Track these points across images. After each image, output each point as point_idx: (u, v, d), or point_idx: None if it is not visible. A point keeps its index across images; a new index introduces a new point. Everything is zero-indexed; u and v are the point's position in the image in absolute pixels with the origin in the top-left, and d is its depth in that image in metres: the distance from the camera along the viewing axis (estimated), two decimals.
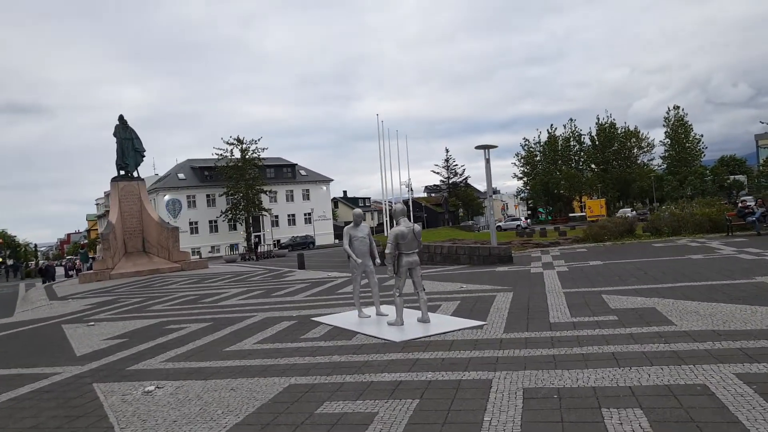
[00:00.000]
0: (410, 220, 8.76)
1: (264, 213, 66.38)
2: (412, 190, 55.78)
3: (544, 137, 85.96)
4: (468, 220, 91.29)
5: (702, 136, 78.77)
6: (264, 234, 67.09)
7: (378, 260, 9.46)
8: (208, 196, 67.84)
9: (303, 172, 76.70)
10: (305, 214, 73.04)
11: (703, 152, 79.12)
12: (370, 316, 9.30)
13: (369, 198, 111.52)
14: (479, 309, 9.24)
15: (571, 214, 77.42)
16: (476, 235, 35.66)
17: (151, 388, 6.10)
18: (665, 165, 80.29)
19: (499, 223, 69.11)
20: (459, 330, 7.66)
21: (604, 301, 8.84)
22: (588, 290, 10.17)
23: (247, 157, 64.16)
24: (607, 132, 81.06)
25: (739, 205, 21.17)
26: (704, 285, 9.65)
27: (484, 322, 8.01)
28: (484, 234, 37.54)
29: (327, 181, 77.56)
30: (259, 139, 65.48)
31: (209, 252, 63.46)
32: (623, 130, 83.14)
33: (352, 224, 9.41)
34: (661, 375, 5.01)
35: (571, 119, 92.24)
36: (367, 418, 4.59)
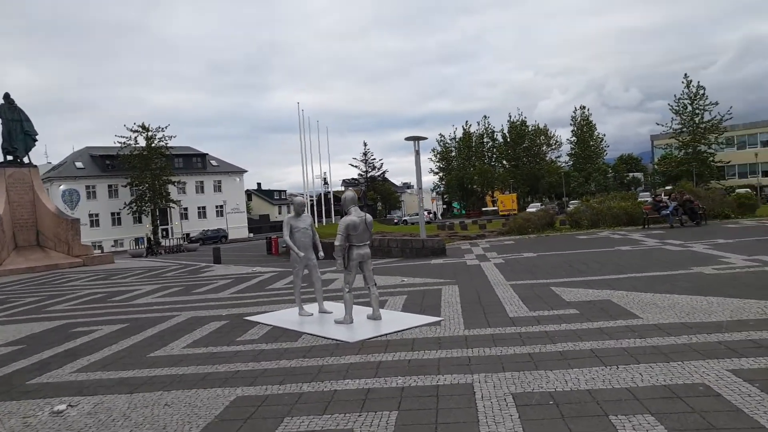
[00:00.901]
0: (343, 215, 8.08)
1: (172, 205, 62.96)
2: (327, 183, 54.74)
3: (459, 133, 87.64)
4: (386, 214, 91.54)
5: (604, 135, 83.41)
6: (172, 227, 63.71)
7: (321, 253, 8.68)
8: (110, 186, 63.38)
9: (214, 163, 73.57)
10: (217, 207, 70.11)
11: (605, 150, 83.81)
12: (312, 314, 8.51)
13: (285, 191, 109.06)
14: (429, 304, 8.71)
15: (484, 209, 79.53)
16: (401, 227, 35.39)
17: (62, 407, 5.02)
18: (571, 162, 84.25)
19: (405, 218, 69.72)
20: (416, 327, 7.07)
21: (556, 294, 8.58)
22: (534, 282, 9.92)
23: (153, 145, 60.42)
24: (518, 129, 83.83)
25: (655, 199, 22.20)
26: (647, 276, 9.67)
27: (440, 318, 7.46)
28: (408, 227, 37.37)
29: (240, 172, 74.88)
30: (166, 127, 61.97)
31: (112, 246, 59.29)
32: (533, 128, 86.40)
33: (292, 214, 8.57)
34: (654, 374, 4.64)
35: (485, 116, 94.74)
36: None
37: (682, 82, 58.44)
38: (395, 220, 68.24)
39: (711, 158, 58.37)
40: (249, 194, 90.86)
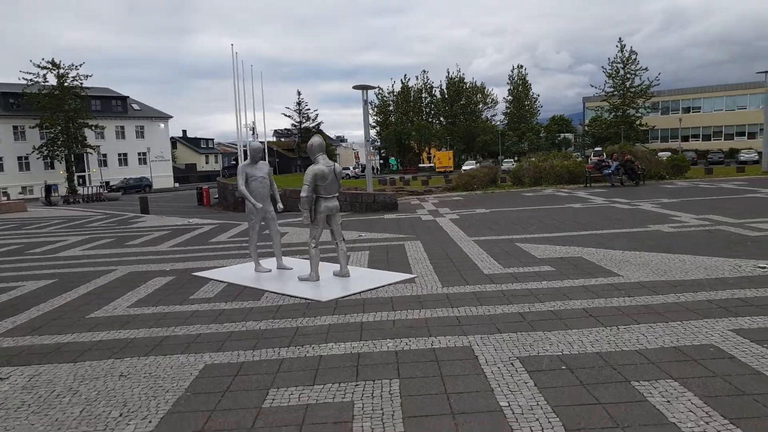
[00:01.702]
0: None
1: (89, 150, 58.70)
2: (256, 132, 52.26)
3: (398, 87, 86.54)
4: None
5: (539, 95, 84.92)
6: (90, 174, 59.73)
7: (280, 205, 8.00)
8: (15, 127, 57.98)
9: (136, 107, 69.09)
10: (140, 154, 66.30)
11: (539, 110, 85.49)
12: (270, 270, 7.88)
13: (213, 139, 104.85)
14: (395, 260, 8.27)
15: (420, 165, 79.71)
16: (349, 182, 34.64)
17: None
18: (506, 121, 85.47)
19: (347, 171, 68.78)
20: (389, 285, 6.61)
21: (524, 251, 8.35)
22: (497, 239, 9.68)
23: (66, 84, 55.49)
24: (456, 86, 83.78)
25: (597, 158, 22.61)
26: (609, 233, 9.63)
27: (413, 275, 7.04)
28: (350, 180, 36.64)
29: (165, 117, 70.85)
30: (80, 65, 56.74)
31: (20, 193, 54.86)
32: (471, 85, 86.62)
33: (248, 161, 7.80)
34: (658, 335, 4.42)
35: (424, 71, 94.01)
36: (343, 412, 3.39)
37: (616, 46, 59.95)
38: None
39: (638, 122, 60.72)
40: (174, 142, 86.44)
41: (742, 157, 48.24)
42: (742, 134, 64.12)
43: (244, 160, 38.56)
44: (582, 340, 4.37)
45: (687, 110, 67.85)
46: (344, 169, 76.04)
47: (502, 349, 4.25)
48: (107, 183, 57.12)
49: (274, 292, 6.59)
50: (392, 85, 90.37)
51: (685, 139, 65.66)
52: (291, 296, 6.36)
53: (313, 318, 5.44)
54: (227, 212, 23.35)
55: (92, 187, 47.74)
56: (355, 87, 20.74)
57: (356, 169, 75.90)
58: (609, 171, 20.51)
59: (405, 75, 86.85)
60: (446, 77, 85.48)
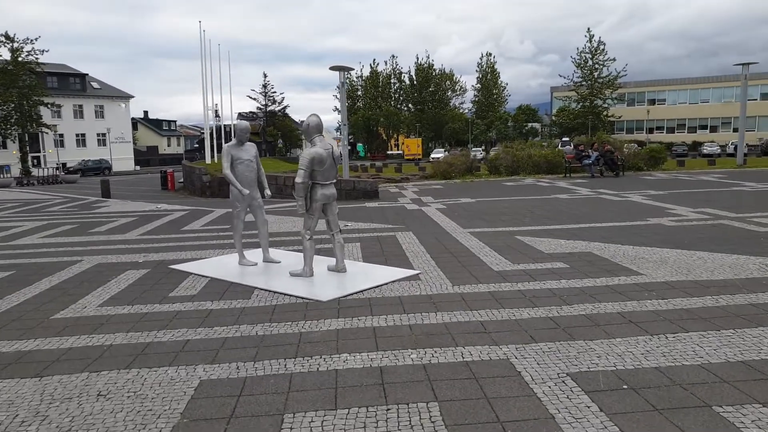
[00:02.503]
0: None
1: (45, 130, 55.87)
2: (219, 115, 50.17)
3: (366, 72, 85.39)
4: (286, 152, 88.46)
5: (507, 84, 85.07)
6: (45, 155, 57.07)
7: (268, 191, 7.30)
8: None
9: (96, 85, 66.22)
10: (99, 135, 63.71)
11: (506, 99, 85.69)
12: (256, 264, 7.20)
13: (175, 121, 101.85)
14: (391, 253, 7.68)
15: (389, 152, 79.08)
16: None
17: None
18: (474, 109, 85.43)
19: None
20: (393, 282, 6.02)
21: (528, 245, 7.86)
22: (494, 231, 9.18)
23: (20, 59, 52.56)
24: (426, 72, 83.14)
25: (578, 148, 22.40)
26: (610, 227, 9.24)
27: (416, 271, 6.46)
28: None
29: (126, 97, 68.20)
30: (36, 39, 53.78)
31: None
32: (440, 72, 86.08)
33: (233, 142, 7.06)
34: (716, 346, 3.96)
35: (393, 56, 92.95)
36: None
37: (585, 36, 60.42)
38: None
39: (605, 112, 61.33)
40: (135, 123, 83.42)
41: (705, 150, 49.27)
42: (704, 127, 65.58)
43: (216, 141, 37.17)
44: (632, 352, 3.88)
45: (652, 102, 68.95)
46: None
47: (546, 364, 3.72)
48: (64, 165, 54.62)
49: (266, 290, 5.92)
50: (360, 70, 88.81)
51: (650, 131, 66.76)
52: (286, 294, 5.70)
53: (316, 321, 4.81)
54: (194, 197, 22.34)
55: (48, 168, 45.47)
56: (332, 68, 19.93)
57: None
58: (589, 161, 20.32)
59: (374, 60, 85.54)
60: (415, 63, 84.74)
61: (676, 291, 5.32)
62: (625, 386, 3.36)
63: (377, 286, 5.86)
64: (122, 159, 63.77)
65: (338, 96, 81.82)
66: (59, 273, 7.13)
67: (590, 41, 60.10)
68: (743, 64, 25.09)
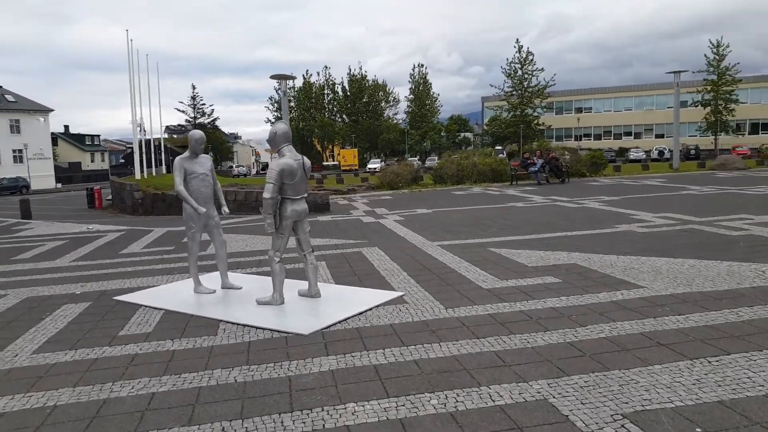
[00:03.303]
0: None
1: None
2: (143, 129, 47.38)
3: (299, 83, 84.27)
4: (217, 165, 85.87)
5: (439, 95, 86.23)
6: None
7: (225, 208, 6.52)
8: None
9: (11, 98, 61.90)
10: (15, 151, 59.42)
11: (439, 110, 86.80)
12: (214, 291, 6.40)
13: (99, 136, 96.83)
14: (362, 271, 7.07)
15: (324, 163, 78.25)
16: (248, 180, 32.48)
17: None
18: (408, 120, 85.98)
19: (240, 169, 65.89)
20: (378, 307, 5.41)
21: (506, 257, 7.45)
22: (464, 243, 8.74)
23: None
24: (359, 83, 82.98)
25: (524, 156, 22.51)
26: (581, 235, 9.00)
27: (399, 293, 5.88)
28: (254, 179, 34.44)
29: (45, 111, 64.11)
30: None
31: None
32: (373, 83, 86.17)
33: (186, 153, 6.27)
34: (763, 370, 3.59)
35: (325, 66, 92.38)
36: None
37: (514, 47, 61.91)
38: (234, 172, 64.11)
39: (536, 121, 63.02)
40: (55, 138, 78.56)
41: (631, 156, 51.47)
42: (629, 134, 68.71)
43: (144, 156, 35.15)
44: (681, 383, 3.44)
45: (579, 110, 71.63)
46: (237, 167, 72.60)
47: (591, 403, 3.22)
48: None
49: (234, 323, 5.17)
50: (293, 81, 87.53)
51: (578, 138, 69.23)
52: (258, 328, 4.97)
53: (303, 361, 4.14)
54: (125, 215, 20.89)
55: None
56: (273, 76, 19.28)
57: (243, 167, 72.91)
58: (534, 169, 20.44)
59: (307, 71, 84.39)
60: (348, 74, 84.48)
61: (689, 305, 4.99)
62: (698, 430, 2.90)
63: (361, 313, 5.23)
64: (42, 176, 59.70)
65: (270, 107, 79.60)
66: None
67: (519, 52, 61.68)
68: (675, 72, 26.15)
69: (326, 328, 4.87)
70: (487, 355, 4.05)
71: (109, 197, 28.22)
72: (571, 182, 20.70)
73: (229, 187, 19.80)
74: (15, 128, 60.22)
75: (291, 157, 5.57)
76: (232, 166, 72.74)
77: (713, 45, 51.76)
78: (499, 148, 57.17)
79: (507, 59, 62.72)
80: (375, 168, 63.79)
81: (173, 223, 14.57)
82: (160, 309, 5.80)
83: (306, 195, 5.81)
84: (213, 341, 4.71)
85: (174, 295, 6.36)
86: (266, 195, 5.43)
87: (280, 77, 18.85)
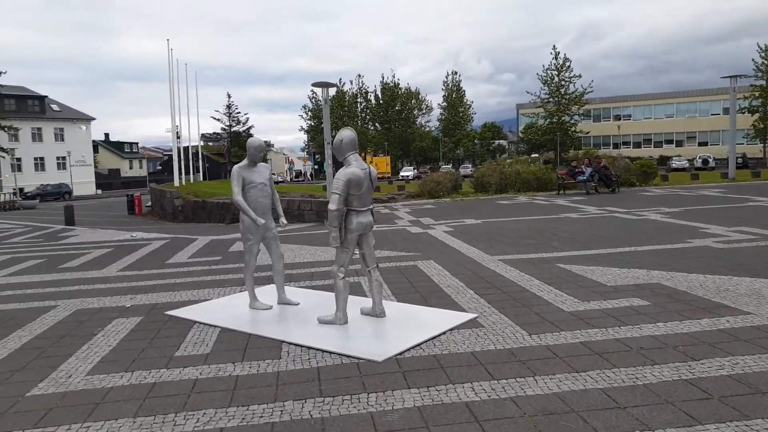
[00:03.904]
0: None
1: (2, 154, 53.22)
2: (180, 137, 47.43)
3: (332, 91, 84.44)
4: None
5: (472, 102, 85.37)
6: (1, 180, 54.21)
7: (283, 219, 6.17)
8: None
9: (56, 107, 63.63)
10: (59, 159, 61.00)
11: (472, 117, 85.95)
12: (271, 307, 6.04)
13: (137, 143, 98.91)
14: (425, 288, 6.62)
15: None
16: (289, 187, 32.47)
17: None
18: (441, 127, 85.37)
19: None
20: (452, 330, 4.96)
21: (580, 275, 6.91)
22: (527, 257, 8.22)
23: None
24: (392, 91, 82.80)
25: (570, 164, 21.81)
26: (654, 250, 8.38)
27: (473, 314, 5.41)
28: (305, 187, 34.47)
29: (87, 119, 65.69)
30: None
31: None
32: (405, 90, 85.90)
33: (244, 162, 5.94)
34: None
35: (359, 75, 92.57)
36: None
37: (550, 53, 60.88)
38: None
39: (573, 128, 61.72)
40: (96, 146, 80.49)
41: (674, 164, 49.85)
42: (670, 142, 66.82)
43: (166, 163, 35.40)
44: None
45: (618, 118, 70.02)
46: (271, 174, 72.84)
47: None
48: (21, 190, 51.85)
49: (297, 344, 4.78)
50: (327, 89, 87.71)
51: (617, 146, 67.65)
52: (325, 351, 4.57)
53: (383, 394, 3.71)
54: (165, 222, 20.93)
55: (4, 194, 42.88)
56: (315, 84, 19.02)
57: (300, 177, 73.30)
58: (583, 178, 19.71)
59: (339, 79, 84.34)
60: (381, 82, 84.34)
61: None
62: None
63: (435, 337, 4.79)
64: (83, 183, 61.11)
65: (304, 115, 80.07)
66: (30, 325, 5.83)
67: (556, 58, 60.61)
68: (731, 77, 25.06)
69: (400, 354, 4.44)
70: (594, 393, 3.55)
71: (149, 204, 28.48)
72: (621, 192, 19.90)
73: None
74: (59, 136, 61.83)
75: (357, 166, 5.18)
76: (271, 174, 73.18)
77: (761, 49, 49.91)
78: (536, 155, 56.14)
79: (543, 66, 61.88)
80: (408, 176, 63.46)
81: (215, 231, 14.41)
82: (216, 326, 5.46)
83: (372, 206, 5.41)
84: (278, 365, 4.33)
85: (229, 310, 6.02)
86: (332, 206, 5.05)
87: (322, 85, 18.59)
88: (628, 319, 5.03)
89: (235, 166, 5.90)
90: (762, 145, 53.26)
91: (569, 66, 60.12)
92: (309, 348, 4.69)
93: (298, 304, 6.10)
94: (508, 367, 4.05)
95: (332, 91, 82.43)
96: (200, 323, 5.60)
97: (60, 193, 53.05)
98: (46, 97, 62.66)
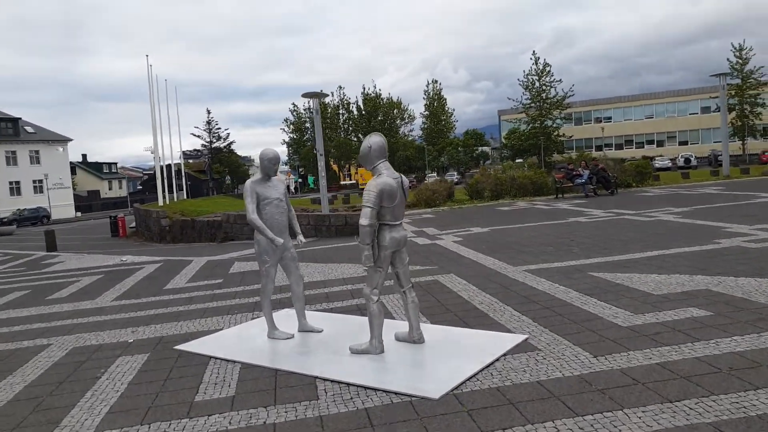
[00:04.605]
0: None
1: None
2: (157, 155, 45.98)
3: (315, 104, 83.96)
4: (233, 188, 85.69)
5: (454, 110, 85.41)
6: None
7: (302, 237, 5.62)
8: None
9: (30, 130, 62.13)
10: (35, 182, 59.49)
11: (454, 125, 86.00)
12: (292, 336, 5.46)
13: (116, 163, 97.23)
14: (457, 306, 6.09)
15: (342, 182, 77.72)
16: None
17: None
18: (424, 136, 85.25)
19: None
20: (505, 355, 4.43)
21: (617, 283, 6.44)
22: (553, 267, 7.74)
23: None
24: (374, 102, 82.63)
25: (567, 167, 21.50)
26: (685, 253, 7.95)
27: (522, 335, 4.88)
28: (292, 200, 33.65)
29: (64, 141, 64.24)
30: None
31: None
32: (387, 100, 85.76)
33: (257, 176, 5.38)
34: None
35: (340, 87, 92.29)
36: None
37: (530, 59, 60.94)
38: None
39: (556, 132, 61.83)
40: (73, 167, 78.85)
41: (657, 164, 50.05)
42: (651, 142, 67.35)
43: (147, 182, 34.63)
44: None
45: (599, 120, 70.45)
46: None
47: None
48: None
49: (333, 380, 4.21)
50: (308, 102, 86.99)
51: (599, 148, 68.00)
52: (366, 388, 4.01)
53: None
54: (153, 243, 20.15)
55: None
56: (305, 95, 18.55)
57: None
58: (581, 181, 19.39)
59: (321, 90, 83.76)
60: (362, 93, 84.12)
61: None
62: None
63: (489, 365, 4.25)
64: (62, 206, 59.62)
65: (285, 128, 79.34)
66: (22, 369, 5.19)
67: (536, 63, 60.74)
68: (719, 75, 25.06)
69: (456, 388, 3.90)
70: (705, 430, 3.04)
71: (133, 225, 27.59)
72: (620, 193, 19.62)
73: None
74: (35, 159, 60.37)
75: (389, 175, 4.65)
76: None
77: (735, 48, 50.56)
78: (520, 160, 56.03)
79: (523, 71, 61.91)
80: (428, 184, 63.01)
81: (208, 251, 13.75)
82: (235, 361, 4.87)
83: (403, 220, 4.88)
84: (318, 408, 3.76)
85: (246, 342, 5.43)
86: (364, 221, 4.50)
87: (312, 95, 18.10)
88: (697, 333, 4.55)
89: (248, 181, 5.34)
90: (741, 142, 53.81)
91: (549, 71, 60.35)
92: (348, 384, 4.12)
93: (322, 331, 5.53)
94: (588, 399, 3.53)
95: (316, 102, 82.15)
96: (216, 358, 5.01)
97: (38, 217, 51.58)
98: (20, 119, 61.19)
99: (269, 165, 5.32)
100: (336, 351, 4.91)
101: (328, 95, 18.74)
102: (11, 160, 58.68)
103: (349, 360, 4.66)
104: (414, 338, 4.92)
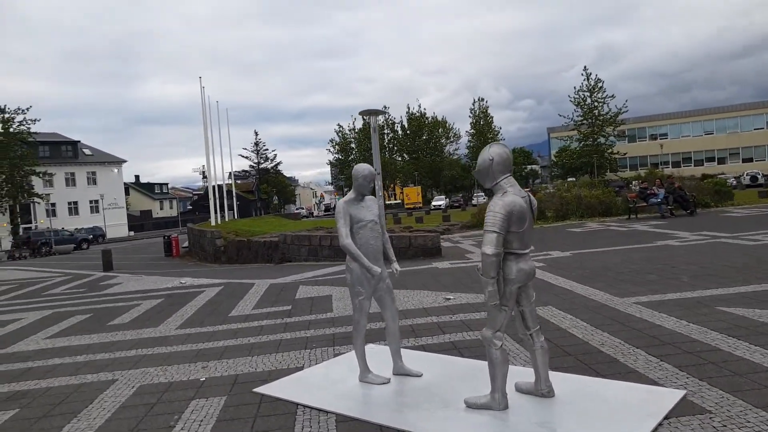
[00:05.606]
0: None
1: (37, 200, 53.34)
2: (206, 176, 46.03)
3: (359, 124, 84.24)
4: (280, 208, 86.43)
5: (501, 128, 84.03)
6: (37, 225, 54.41)
7: (397, 265, 4.90)
8: None
9: (88, 152, 64.27)
10: (92, 202, 61.27)
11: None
12: (388, 380, 4.70)
13: (167, 184, 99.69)
14: (571, 346, 5.23)
15: (387, 202, 77.24)
16: (320, 222, 31.43)
17: None
18: (470, 154, 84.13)
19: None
20: (668, 418, 3.56)
21: (764, 322, 5.44)
22: (665, 299, 6.77)
23: (11, 130, 50.49)
24: (418, 121, 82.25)
25: (641, 186, 20.26)
26: None
27: (681, 391, 3.99)
28: (326, 221, 33.39)
29: (118, 162, 66.15)
30: (27, 109, 51.78)
31: None
32: (432, 119, 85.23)
33: (351, 195, 4.71)
34: None
35: (385, 106, 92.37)
36: None
37: (582, 75, 59.49)
38: (302, 215, 63.83)
39: (609, 150, 59.82)
40: (127, 188, 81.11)
41: None
42: (711, 159, 64.47)
43: (197, 202, 34.89)
44: None
45: (654, 137, 67.99)
46: (298, 209, 72.29)
47: None
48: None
49: None
50: (353, 122, 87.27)
51: (655, 166, 65.48)
52: None
53: None
54: (207, 264, 19.89)
55: (39, 240, 42.61)
56: (362, 113, 17.92)
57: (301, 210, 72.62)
58: (656, 200, 18.14)
59: (384, 107, 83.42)
60: (406, 113, 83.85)
61: None
62: None
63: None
64: (116, 225, 61.21)
65: (331, 149, 79.82)
66: (87, 411, 4.60)
67: (587, 79, 59.13)
68: None
69: None
70: None
71: (186, 244, 27.58)
72: (699, 214, 18.26)
73: (315, 231, 18.49)
74: (91, 180, 62.24)
75: (516, 193, 3.88)
76: (298, 209, 72.86)
77: None
78: (572, 179, 54.31)
79: (574, 87, 60.33)
80: (440, 205, 62.07)
81: (267, 272, 13.23)
82: (328, 411, 4.15)
83: (532, 247, 4.10)
84: None
85: (335, 386, 4.70)
86: (488, 249, 3.72)
87: (370, 113, 17.54)
88: None
89: (340, 201, 4.67)
90: None
91: (602, 86, 58.60)
92: None
93: (421, 375, 4.77)
94: None
95: (359, 124, 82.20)
96: (305, 406, 4.30)
97: (94, 236, 52.85)
98: (79, 142, 63.33)
99: (364, 183, 4.64)
100: (447, 403, 4.13)
101: (386, 112, 18.14)
102: (70, 181, 60.66)
103: (466, 417, 3.88)
104: (542, 391, 4.09)
